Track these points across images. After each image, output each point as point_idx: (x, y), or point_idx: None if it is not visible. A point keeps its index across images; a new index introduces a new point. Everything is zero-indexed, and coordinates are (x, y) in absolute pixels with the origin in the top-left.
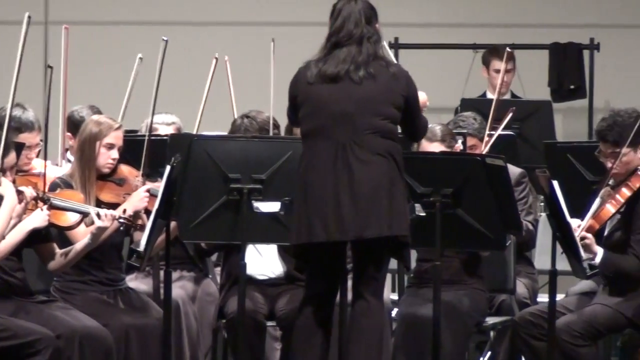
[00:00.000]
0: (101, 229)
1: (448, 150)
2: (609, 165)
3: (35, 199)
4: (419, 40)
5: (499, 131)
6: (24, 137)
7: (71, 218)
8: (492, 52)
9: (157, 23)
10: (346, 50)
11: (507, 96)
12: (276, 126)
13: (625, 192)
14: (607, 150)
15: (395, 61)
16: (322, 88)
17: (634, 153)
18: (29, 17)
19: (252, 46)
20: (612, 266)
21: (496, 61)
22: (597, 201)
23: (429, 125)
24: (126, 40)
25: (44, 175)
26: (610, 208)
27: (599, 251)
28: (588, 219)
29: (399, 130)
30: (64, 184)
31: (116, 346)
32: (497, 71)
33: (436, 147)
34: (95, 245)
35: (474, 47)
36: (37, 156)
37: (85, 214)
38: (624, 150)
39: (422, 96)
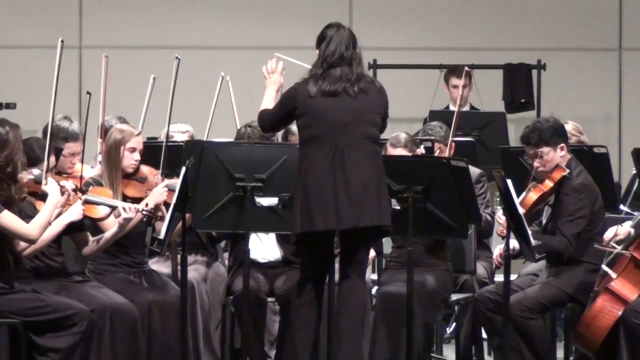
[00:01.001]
0: (127, 220)
1: (410, 154)
2: (535, 164)
3: (75, 190)
4: (394, 61)
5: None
6: (70, 145)
7: (102, 211)
8: (450, 71)
9: (173, 47)
10: (340, 70)
11: (467, 108)
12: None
13: (548, 183)
14: (530, 151)
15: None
16: (323, 101)
17: (554, 152)
18: (62, 41)
19: (253, 66)
20: (542, 245)
21: (454, 78)
22: (525, 191)
23: (395, 134)
24: (148, 61)
25: (81, 176)
26: (533, 195)
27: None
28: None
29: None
30: (95, 182)
31: (140, 319)
32: (455, 87)
33: (399, 152)
34: (122, 234)
35: (440, 67)
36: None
37: (113, 208)
38: (545, 149)
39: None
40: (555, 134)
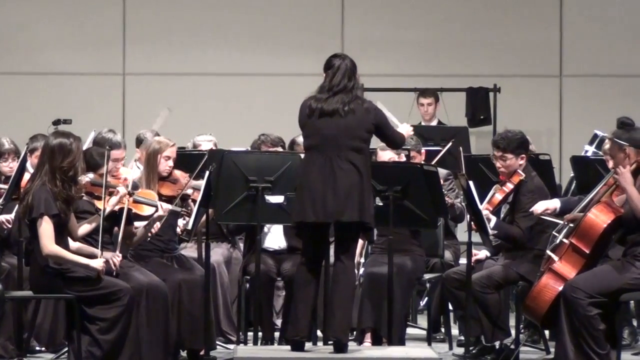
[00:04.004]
0: (160, 217)
1: (396, 156)
2: (498, 165)
3: (126, 194)
4: (378, 85)
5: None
6: (114, 153)
7: (147, 210)
8: (419, 93)
9: (206, 74)
10: (340, 96)
11: (435, 123)
12: (282, 140)
13: (509, 185)
14: (497, 154)
15: (366, 98)
16: (319, 120)
17: (515, 159)
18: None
19: (264, 91)
20: (502, 229)
21: (421, 98)
22: (491, 192)
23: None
24: (184, 86)
25: (126, 179)
26: (498, 196)
27: (493, 219)
28: (485, 203)
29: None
30: (133, 185)
31: (171, 294)
32: (422, 104)
33: (388, 153)
34: (152, 227)
35: (415, 90)
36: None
37: (156, 207)
38: (509, 155)
39: (408, 128)
40: (520, 145)
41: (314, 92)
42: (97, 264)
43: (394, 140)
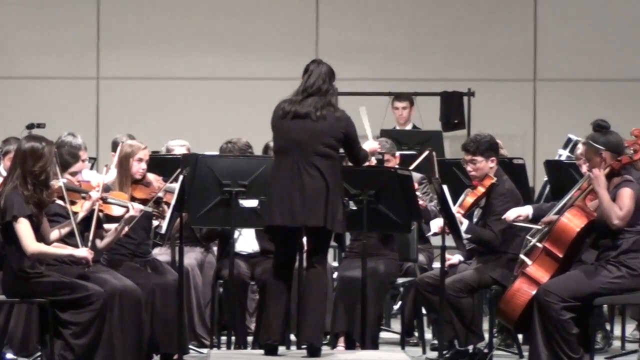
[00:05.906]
0: (132, 217)
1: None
2: (469, 169)
3: (99, 199)
4: (353, 89)
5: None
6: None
7: (116, 211)
8: (394, 97)
9: (178, 78)
10: (314, 99)
11: (409, 127)
12: (249, 146)
13: (480, 189)
14: (467, 158)
15: (340, 107)
16: (290, 122)
17: (486, 162)
18: None
19: (238, 95)
20: (474, 233)
21: (396, 102)
22: (462, 196)
23: None
24: (155, 90)
25: (98, 183)
26: (469, 199)
27: (465, 222)
28: (456, 207)
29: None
30: (105, 188)
31: (145, 298)
32: (396, 108)
33: None
34: (124, 226)
35: (389, 94)
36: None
37: (127, 208)
38: (479, 158)
39: (374, 144)
40: (489, 148)
41: (289, 95)
42: (82, 252)
43: (356, 157)
